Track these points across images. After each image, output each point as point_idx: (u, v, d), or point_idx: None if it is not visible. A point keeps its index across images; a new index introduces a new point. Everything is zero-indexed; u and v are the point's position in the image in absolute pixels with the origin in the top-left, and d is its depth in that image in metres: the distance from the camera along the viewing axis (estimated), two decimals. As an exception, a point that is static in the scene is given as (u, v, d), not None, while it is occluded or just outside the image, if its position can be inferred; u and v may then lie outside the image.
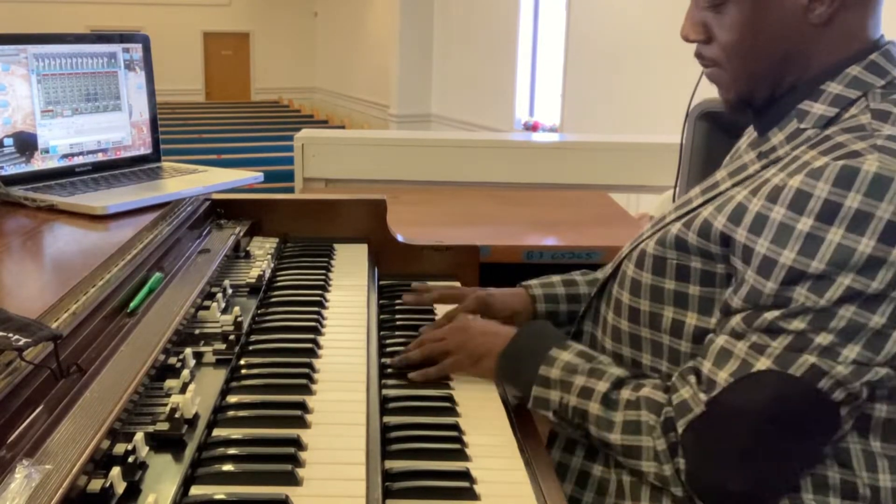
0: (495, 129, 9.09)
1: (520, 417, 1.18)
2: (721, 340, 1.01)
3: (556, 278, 1.43)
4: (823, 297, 0.93)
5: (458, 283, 1.68)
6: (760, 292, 0.98)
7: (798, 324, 0.95)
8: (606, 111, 7.54)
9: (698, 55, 1.13)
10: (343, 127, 12.01)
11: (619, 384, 1.10)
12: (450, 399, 1.20)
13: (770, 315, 0.97)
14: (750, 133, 1.23)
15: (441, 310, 1.51)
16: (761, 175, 1.05)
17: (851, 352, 0.93)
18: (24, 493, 0.72)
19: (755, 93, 1.09)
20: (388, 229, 1.79)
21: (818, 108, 1.04)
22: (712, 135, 2.35)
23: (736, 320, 1.00)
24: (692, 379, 1.02)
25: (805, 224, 0.94)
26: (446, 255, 1.77)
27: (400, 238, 1.79)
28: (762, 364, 0.96)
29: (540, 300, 1.41)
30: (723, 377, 0.98)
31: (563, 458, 1.21)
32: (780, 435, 0.97)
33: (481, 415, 1.17)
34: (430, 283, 1.60)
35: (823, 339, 0.94)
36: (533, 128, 9.41)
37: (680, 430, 1.00)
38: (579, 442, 1.19)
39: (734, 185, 1.08)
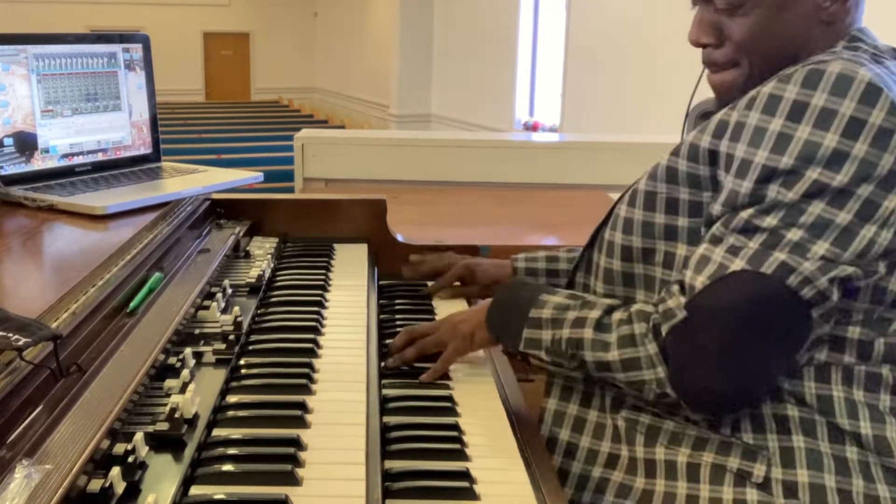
0: (495, 129, 9.09)
1: (520, 417, 1.18)
2: (701, 248, 1.04)
3: (541, 253, 1.50)
4: (792, 190, 0.98)
5: (450, 253, 1.72)
6: (737, 193, 1.02)
7: (770, 220, 0.98)
8: (606, 111, 7.55)
9: (710, 62, 1.15)
10: (343, 127, 12.01)
11: (610, 310, 1.12)
12: (450, 399, 1.20)
13: (745, 213, 1.00)
14: None
15: (441, 310, 1.51)
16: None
17: (820, 248, 0.96)
18: (23, 492, 0.72)
19: (759, 83, 1.11)
20: (388, 229, 1.79)
21: (800, 68, 1.06)
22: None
23: (715, 226, 1.03)
24: (675, 288, 1.05)
25: (776, 124, 1.00)
26: (446, 255, 1.77)
27: (400, 238, 1.79)
28: (736, 265, 0.98)
29: (521, 272, 1.49)
30: (700, 281, 1.00)
31: (559, 406, 1.22)
32: (756, 333, 0.99)
33: (481, 415, 1.17)
34: (424, 257, 1.68)
35: (793, 234, 0.97)
36: (533, 128, 9.41)
37: (664, 336, 1.03)
38: (574, 388, 1.21)
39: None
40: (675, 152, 1.13)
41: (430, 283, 1.62)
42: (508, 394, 1.25)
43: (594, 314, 1.12)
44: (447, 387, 1.24)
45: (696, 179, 1.09)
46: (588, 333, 1.11)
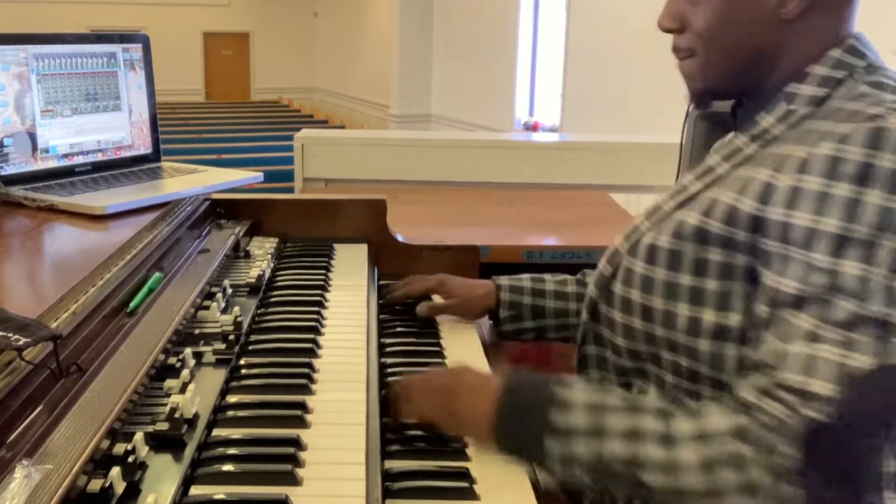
0: (495, 129, 9.09)
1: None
2: (800, 347, 0.91)
3: (525, 275, 1.46)
4: (876, 264, 0.89)
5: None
6: (811, 267, 0.92)
7: (870, 306, 0.89)
8: (606, 111, 7.54)
9: (674, 48, 1.14)
10: (343, 127, 12.01)
11: (665, 415, 0.95)
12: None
13: (843, 304, 0.90)
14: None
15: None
16: (766, 153, 1.03)
17: None
18: (23, 492, 0.72)
19: (722, 84, 1.11)
20: (388, 229, 1.79)
21: (806, 90, 1.04)
22: (712, 135, 2.35)
23: (803, 318, 0.91)
24: (781, 394, 0.90)
25: (843, 189, 0.92)
26: (446, 255, 1.77)
27: (400, 238, 1.79)
28: (861, 362, 0.88)
29: (504, 290, 1.44)
30: (826, 387, 0.88)
31: None
32: (889, 427, 0.92)
33: (481, 415, 1.17)
34: (403, 283, 1.58)
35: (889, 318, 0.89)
36: (533, 128, 9.41)
37: (786, 450, 0.88)
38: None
39: (735, 167, 1.07)
40: (705, 212, 1.03)
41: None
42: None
43: (651, 423, 0.94)
44: (447, 387, 1.24)
45: (731, 242, 1.00)
46: (653, 453, 0.92)
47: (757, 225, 0.98)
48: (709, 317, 1.03)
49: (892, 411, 0.90)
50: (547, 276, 1.44)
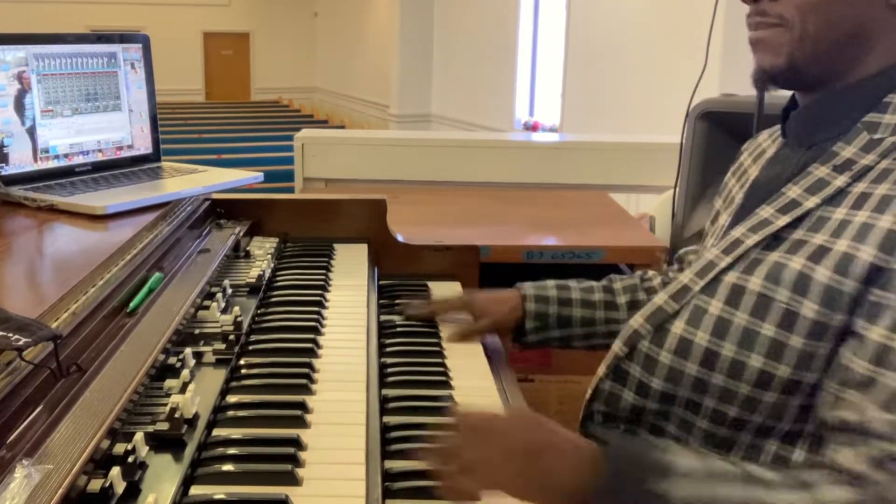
0: (495, 129, 9.09)
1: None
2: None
3: (550, 282, 1.42)
4: None
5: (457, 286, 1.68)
6: None
7: None
8: (606, 111, 7.54)
9: (757, 12, 1.02)
10: (343, 127, 12.01)
11: (774, 484, 0.85)
12: (450, 399, 1.19)
13: None
14: (758, 146, 1.20)
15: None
16: (869, 190, 0.95)
17: None
18: (23, 492, 0.72)
19: (810, 65, 1.01)
20: (388, 229, 1.79)
21: (890, 119, 0.98)
22: (712, 135, 2.35)
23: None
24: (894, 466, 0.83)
25: None
26: (446, 255, 1.77)
27: (400, 238, 1.79)
28: None
29: (530, 299, 1.40)
30: None
31: None
32: None
33: (481, 415, 1.17)
34: (427, 302, 1.54)
35: None
36: (533, 128, 9.41)
37: None
38: None
39: (827, 202, 0.98)
40: (813, 258, 0.95)
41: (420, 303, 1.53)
42: (508, 393, 1.25)
43: (765, 496, 0.83)
44: (448, 386, 1.24)
45: (834, 296, 0.92)
46: None
47: (872, 276, 0.89)
48: (783, 373, 0.95)
49: None
50: (572, 283, 1.41)
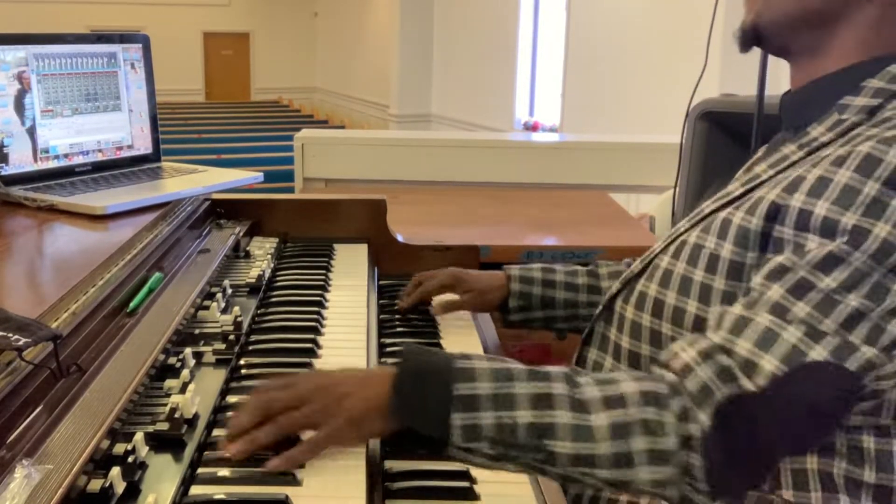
0: (495, 129, 9.09)
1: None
2: (764, 319, 0.87)
3: (536, 265, 1.45)
4: (882, 264, 0.85)
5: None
6: (809, 251, 0.88)
7: (855, 299, 0.85)
8: (606, 111, 7.54)
9: None
10: (343, 127, 12.01)
11: (573, 381, 0.89)
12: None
13: (824, 283, 0.86)
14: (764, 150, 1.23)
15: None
16: (812, 158, 0.99)
17: (891, 335, 0.85)
18: (23, 492, 0.72)
19: (774, 30, 1.06)
20: (388, 229, 1.79)
21: (860, 101, 1.01)
22: (712, 135, 2.35)
23: (779, 292, 0.88)
24: (722, 359, 0.86)
25: (872, 188, 0.88)
26: (446, 255, 1.77)
27: (400, 238, 1.79)
28: (818, 354, 0.84)
29: (515, 280, 1.43)
30: (773, 364, 0.84)
31: None
32: (816, 427, 0.89)
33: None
34: (416, 282, 1.53)
35: (882, 322, 0.85)
36: (533, 128, 9.41)
37: (704, 418, 0.84)
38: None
39: (778, 174, 1.03)
40: (736, 207, 1.01)
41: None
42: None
43: (559, 387, 0.87)
44: (447, 387, 1.24)
45: (745, 235, 0.97)
46: (563, 416, 0.85)
47: (774, 214, 0.95)
48: (712, 316, 0.98)
49: (817, 410, 0.86)
50: (558, 267, 1.44)
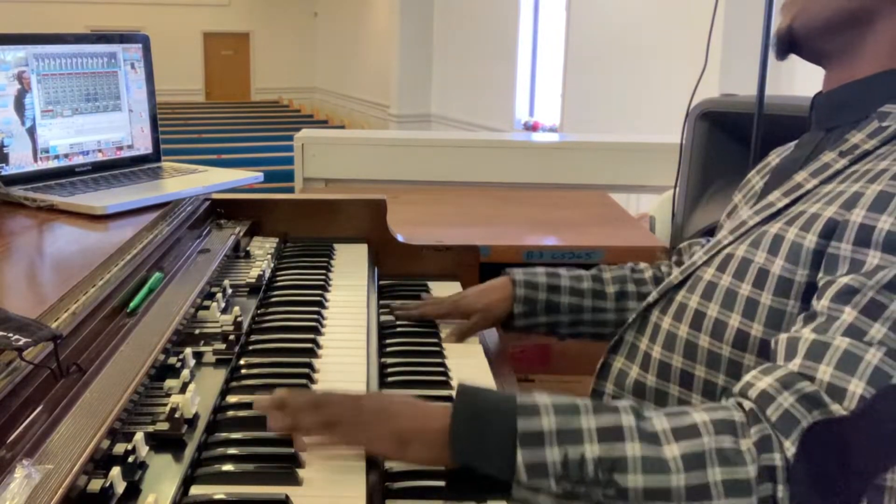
0: (495, 129, 9.09)
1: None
2: (843, 343, 0.85)
3: (540, 269, 1.43)
4: None
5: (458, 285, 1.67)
6: (874, 264, 0.87)
7: None
8: (606, 111, 7.54)
9: None
10: (343, 127, 12.01)
11: (640, 414, 0.86)
12: (450, 399, 1.19)
13: (895, 304, 0.85)
14: (786, 147, 1.22)
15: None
16: (858, 168, 0.99)
17: None
18: (23, 492, 0.72)
19: (808, 35, 1.07)
20: (388, 229, 1.79)
21: None
22: (712, 135, 2.35)
23: (853, 314, 0.86)
24: (803, 385, 0.83)
25: None
26: (446, 255, 1.77)
27: (400, 238, 1.79)
28: None
29: (520, 285, 1.40)
30: (859, 386, 0.82)
31: None
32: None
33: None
34: (417, 304, 1.51)
35: None
36: (533, 128, 9.41)
37: (793, 449, 0.80)
38: None
39: (822, 183, 1.02)
40: (789, 223, 1.01)
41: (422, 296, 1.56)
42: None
43: (627, 419, 0.84)
44: (448, 386, 1.24)
45: (797, 251, 0.96)
46: (633, 449, 0.82)
47: (830, 231, 0.93)
48: (756, 332, 0.99)
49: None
50: (562, 271, 1.43)
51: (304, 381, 1.13)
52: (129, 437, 0.88)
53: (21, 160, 1.55)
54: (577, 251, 2.09)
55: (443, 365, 1.31)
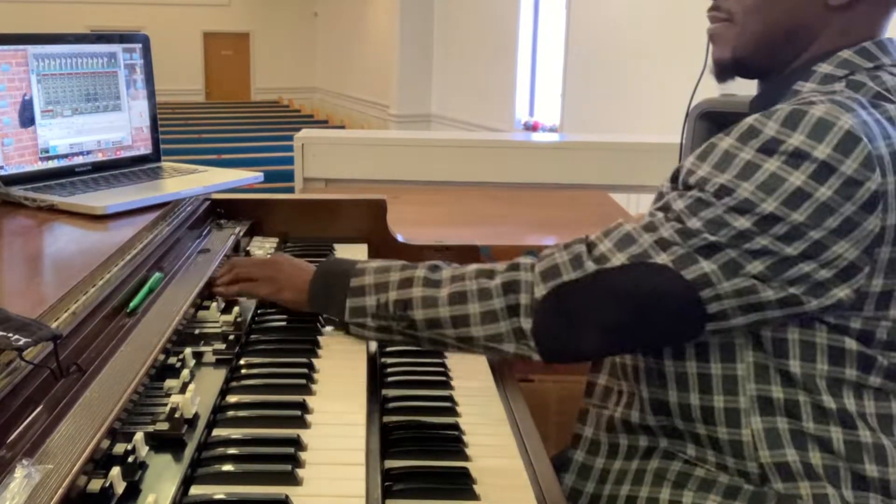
0: (495, 129, 9.09)
1: (520, 417, 1.18)
2: (628, 227, 1.04)
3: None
4: (745, 216, 0.96)
5: None
6: (694, 198, 1.00)
7: (713, 233, 0.97)
8: (606, 111, 7.55)
9: (713, 8, 1.14)
10: (343, 127, 12.01)
11: (435, 267, 1.16)
12: (450, 399, 1.20)
13: (694, 222, 0.98)
14: None
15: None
16: None
17: (751, 270, 0.96)
18: (23, 492, 0.72)
19: (752, 58, 1.11)
20: (388, 229, 1.79)
21: (809, 87, 1.06)
22: (712, 135, 2.35)
23: (656, 216, 1.03)
24: (580, 248, 1.06)
25: (747, 153, 0.98)
26: (446, 255, 1.77)
27: (400, 238, 1.79)
28: (661, 259, 0.99)
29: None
30: (619, 258, 1.02)
31: (586, 459, 1.21)
32: (645, 322, 1.03)
33: (481, 414, 1.17)
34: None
35: (731, 253, 0.97)
36: (533, 128, 9.42)
37: (544, 291, 1.04)
38: (601, 441, 1.19)
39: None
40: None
41: None
42: (508, 393, 1.25)
43: (420, 272, 1.16)
44: (448, 386, 1.24)
45: (659, 198, 1.07)
46: (417, 292, 1.14)
47: (676, 176, 1.06)
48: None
49: (643, 302, 1.01)
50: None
51: (304, 380, 1.13)
52: (128, 437, 0.88)
53: (21, 160, 1.55)
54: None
55: (443, 365, 1.31)
